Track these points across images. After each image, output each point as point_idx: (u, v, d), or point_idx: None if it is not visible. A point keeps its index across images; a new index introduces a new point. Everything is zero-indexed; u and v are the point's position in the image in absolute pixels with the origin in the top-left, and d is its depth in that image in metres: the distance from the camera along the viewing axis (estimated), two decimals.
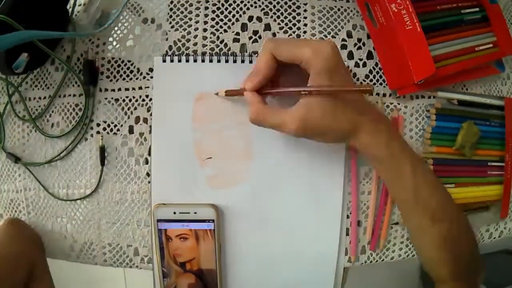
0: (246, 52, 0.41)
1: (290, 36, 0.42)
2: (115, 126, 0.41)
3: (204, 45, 0.41)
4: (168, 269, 0.41)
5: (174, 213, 0.39)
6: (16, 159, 0.43)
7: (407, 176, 0.35)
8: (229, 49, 0.41)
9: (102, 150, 0.41)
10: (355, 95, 0.35)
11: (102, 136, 0.41)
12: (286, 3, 0.42)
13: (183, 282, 0.41)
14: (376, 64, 0.42)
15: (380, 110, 0.38)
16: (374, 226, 0.42)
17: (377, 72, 0.42)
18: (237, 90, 0.37)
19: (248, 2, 0.42)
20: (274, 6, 0.42)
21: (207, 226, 0.40)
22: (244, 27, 0.42)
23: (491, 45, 0.43)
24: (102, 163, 0.41)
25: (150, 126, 0.41)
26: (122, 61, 0.42)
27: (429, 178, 0.37)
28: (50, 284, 0.39)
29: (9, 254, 0.36)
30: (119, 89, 0.41)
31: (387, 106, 0.43)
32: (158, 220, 0.40)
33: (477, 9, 0.44)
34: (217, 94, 0.39)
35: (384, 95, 0.43)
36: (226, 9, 0.42)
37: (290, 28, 0.42)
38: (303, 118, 0.33)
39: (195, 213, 0.39)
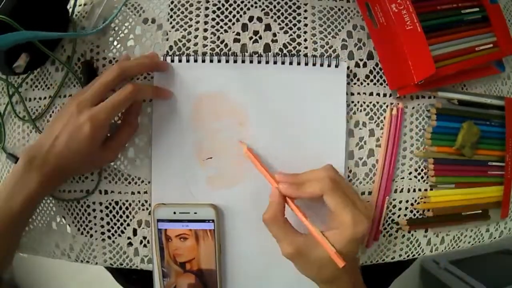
0: (247, 52, 0.41)
1: (291, 36, 0.42)
2: (115, 126, 0.41)
3: (204, 45, 0.41)
4: (168, 269, 0.41)
5: (174, 213, 0.39)
6: (17, 160, 0.43)
7: None
8: (230, 49, 0.41)
9: None
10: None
11: None
12: (286, 3, 0.42)
13: (183, 282, 0.41)
14: (377, 64, 0.43)
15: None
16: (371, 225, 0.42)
17: (377, 72, 0.42)
18: (264, 168, 0.38)
19: (249, 2, 0.42)
20: (275, 6, 0.42)
21: (207, 226, 0.40)
22: (244, 27, 0.42)
23: (491, 45, 0.43)
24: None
25: (150, 126, 0.41)
26: None
27: None
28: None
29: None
30: None
31: (387, 106, 0.43)
32: (158, 220, 0.40)
33: (477, 9, 0.44)
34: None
35: (385, 95, 0.43)
36: (227, 9, 0.42)
37: (291, 29, 0.42)
38: (298, 252, 0.34)
39: (195, 213, 0.39)
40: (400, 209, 0.43)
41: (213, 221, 0.40)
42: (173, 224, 0.40)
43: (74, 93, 0.42)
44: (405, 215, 0.44)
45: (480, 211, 0.45)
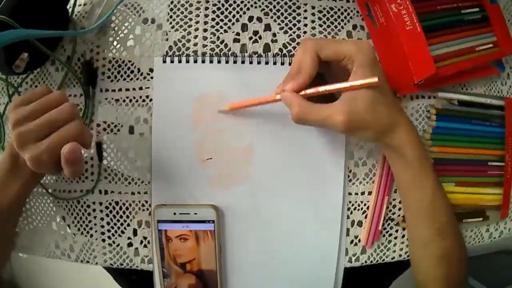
0: (246, 52, 0.41)
1: (290, 36, 0.42)
2: (115, 126, 0.41)
3: (204, 45, 0.41)
4: (168, 270, 0.41)
5: (174, 213, 0.39)
6: None
7: (428, 182, 0.36)
8: (229, 49, 0.41)
9: (99, 146, 0.41)
10: (389, 93, 0.36)
11: (98, 132, 0.41)
12: (286, 3, 0.42)
13: (183, 283, 0.41)
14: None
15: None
16: (371, 225, 0.42)
17: None
18: (242, 102, 0.38)
19: (248, 2, 0.42)
20: (274, 7, 0.42)
21: (207, 227, 0.40)
22: (244, 27, 0.42)
23: (491, 45, 0.43)
24: (100, 159, 0.41)
25: (150, 127, 0.41)
26: (123, 61, 0.42)
27: (444, 192, 0.37)
28: None
29: None
30: (120, 90, 0.41)
31: None
32: (158, 221, 0.40)
33: (477, 9, 0.44)
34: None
35: None
36: (226, 9, 0.42)
37: (290, 29, 0.42)
38: (348, 111, 0.33)
39: (195, 214, 0.39)
40: (400, 209, 0.43)
41: (213, 221, 0.39)
42: (173, 225, 0.40)
43: (74, 93, 0.42)
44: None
45: (480, 211, 0.45)
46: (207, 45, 0.41)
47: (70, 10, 0.41)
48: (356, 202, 0.42)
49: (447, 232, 0.37)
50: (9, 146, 0.35)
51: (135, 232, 0.42)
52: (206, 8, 0.42)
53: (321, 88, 0.34)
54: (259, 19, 0.42)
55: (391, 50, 0.41)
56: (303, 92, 0.35)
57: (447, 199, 0.38)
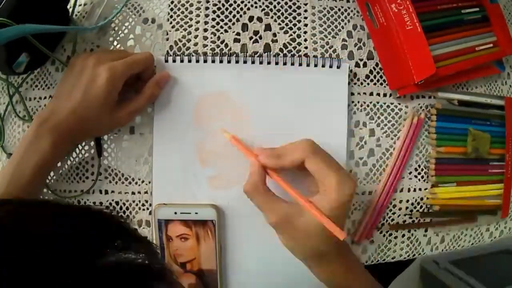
0: (247, 52, 0.41)
1: (291, 36, 0.42)
2: None
3: (204, 45, 0.41)
4: None
5: (175, 213, 0.39)
6: None
7: None
8: (230, 49, 0.41)
9: (98, 141, 0.41)
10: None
11: None
12: (286, 3, 0.42)
13: (183, 282, 0.41)
14: (377, 64, 0.43)
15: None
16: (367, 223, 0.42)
17: (378, 72, 0.42)
18: (243, 145, 0.37)
19: (249, 2, 0.42)
20: (275, 7, 0.42)
21: (208, 227, 0.40)
22: (244, 27, 0.42)
23: (491, 45, 0.43)
24: (99, 155, 0.41)
25: (151, 127, 0.41)
26: None
27: None
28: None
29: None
30: None
31: (388, 106, 0.43)
32: (159, 220, 0.40)
33: (477, 8, 0.44)
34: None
35: (385, 95, 0.43)
36: (227, 9, 0.42)
37: (291, 28, 0.42)
38: (283, 221, 0.33)
39: (196, 213, 0.39)
40: (400, 208, 0.43)
41: (214, 221, 0.39)
42: (174, 224, 0.40)
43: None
44: (405, 214, 0.44)
45: (481, 210, 0.45)
46: (207, 45, 0.41)
47: (70, 10, 0.41)
48: (356, 202, 0.42)
49: None
50: (37, 118, 0.35)
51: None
52: (207, 8, 0.42)
53: (283, 184, 0.34)
54: (260, 19, 0.42)
55: (391, 50, 0.41)
56: (268, 172, 0.35)
57: None
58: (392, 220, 0.44)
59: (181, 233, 0.40)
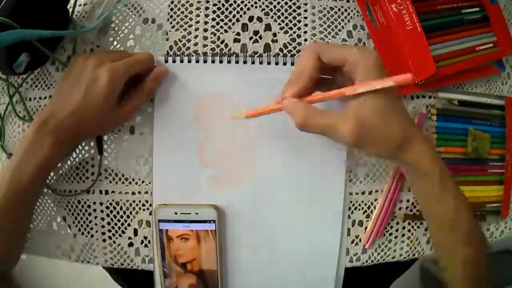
0: (247, 52, 0.41)
1: (291, 36, 0.42)
2: None
3: (204, 45, 0.41)
4: (169, 270, 0.41)
5: (176, 213, 0.39)
6: None
7: (450, 195, 0.34)
8: (230, 49, 0.41)
9: (99, 139, 0.41)
10: (402, 104, 0.33)
11: None
12: (286, 3, 0.42)
13: (184, 283, 0.41)
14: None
15: None
16: (375, 225, 0.42)
17: None
18: (262, 108, 0.34)
19: (249, 2, 0.42)
20: (275, 6, 0.42)
21: (209, 227, 0.40)
22: (244, 27, 0.42)
23: (491, 45, 0.43)
24: (100, 152, 0.41)
25: (151, 127, 0.41)
26: None
27: (466, 202, 0.36)
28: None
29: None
30: None
31: None
32: (160, 220, 0.40)
33: (477, 9, 0.44)
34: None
35: None
36: (227, 9, 0.42)
37: (291, 28, 0.42)
38: (358, 118, 0.30)
39: (197, 213, 0.39)
40: (400, 208, 0.43)
41: (214, 221, 0.39)
42: (175, 225, 0.40)
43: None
44: (405, 214, 0.44)
45: (481, 210, 0.45)
46: (207, 45, 0.41)
47: (70, 10, 0.41)
48: (357, 201, 0.42)
49: (470, 240, 0.36)
50: (37, 119, 0.35)
51: (135, 232, 0.42)
52: (207, 8, 0.42)
53: (323, 95, 0.32)
54: (260, 19, 0.42)
55: (392, 50, 0.41)
56: (304, 100, 0.32)
57: (469, 209, 0.36)
58: (392, 220, 0.43)
59: (182, 233, 0.40)
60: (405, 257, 0.44)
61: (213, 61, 0.40)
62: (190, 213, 0.39)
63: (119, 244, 0.42)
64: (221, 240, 0.41)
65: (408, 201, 0.44)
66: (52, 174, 0.42)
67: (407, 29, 0.40)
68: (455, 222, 0.35)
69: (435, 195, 0.35)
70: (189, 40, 0.41)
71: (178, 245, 0.40)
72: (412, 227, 0.44)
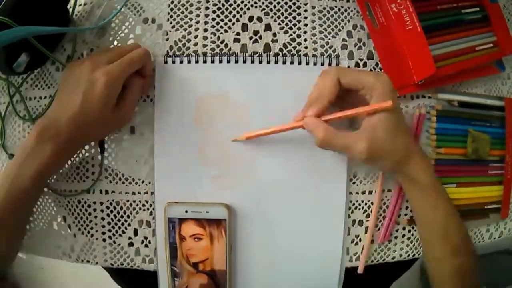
0: (247, 52, 0.41)
1: (291, 36, 0.42)
2: None
3: (204, 45, 0.41)
4: (180, 269, 0.41)
5: (186, 211, 0.39)
6: None
7: (442, 205, 0.38)
8: (230, 49, 0.41)
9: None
10: (404, 120, 0.38)
11: None
12: (286, 3, 0.42)
13: (194, 282, 0.41)
14: (377, 64, 0.43)
15: None
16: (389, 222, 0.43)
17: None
18: (277, 127, 0.38)
19: (249, 2, 0.42)
20: (275, 6, 0.42)
21: (220, 226, 0.39)
22: (244, 27, 0.42)
23: (491, 45, 0.43)
24: (102, 151, 0.41)
25: (152, 127, 0.41)
26: None
27: (456, 211, 0.39)
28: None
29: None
30: None
31: None
32: (171, 219, 0.39)
33: (477, 8, 0.44)
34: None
35: None
36: (227, 9, 0.42)
37: (291, 28, 0.42)
38: (370, 138, 0.35)
39: (207, 212, 0.39)
40: (400, 208, 0.43)
41: (225, 220, 0.39)
42: (187, 223, 0.39)
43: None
44: (406, 214, 0.44)
45: (481, 210, 0.45)
46: (207, 45, 0.41)
47: (70, 10, 0.41)
48: (357, 201, 0.42)
49: (461, 250, 0.38)
50: (38, 125, 0.35)
51: (135, 232, 0.42)
52: (207, 8, 0.42)
53: (340, 114, 0.36)
54: (259, 19, 0.42)
55: (391, 50, 0.41)
56: (323, 118, 0.36)
57: (460, 219, 0.39)
58: (398, 223, 0.44)
59: (195, 233, 0.40)
60: (405, 258, 0.44)
61: (213, 61, 0.40)
62: (200, 212, 0.39)
63: (119, 244, 0.42)
64: (231, 240, 0.40)
65: (409, 209, 0.44)
66: None
67: (407, 29, 0.40)
68: (445, 231, 0.38)
69: (428, 206, 0.38)
70: (189, 40, 0.41)
71: (191, 245, 0.40)
72: (412, 227, 0.44)
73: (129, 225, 0.42)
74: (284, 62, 0.40)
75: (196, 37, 0.41)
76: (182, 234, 0.40)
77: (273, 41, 0.42)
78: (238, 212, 0.41)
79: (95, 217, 0.42)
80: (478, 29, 0.44)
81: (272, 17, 0.42)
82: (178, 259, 0.40)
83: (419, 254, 0.45)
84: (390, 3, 0.40)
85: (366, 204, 0.43)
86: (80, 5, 0.43)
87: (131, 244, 0.42)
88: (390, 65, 0.42)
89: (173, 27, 0.41)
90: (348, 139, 0.35)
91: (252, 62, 0.40)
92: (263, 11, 0.42)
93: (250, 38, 0.41)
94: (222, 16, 0.41)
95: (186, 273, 0.41)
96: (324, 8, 0.42)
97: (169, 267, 0.41)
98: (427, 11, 0.42)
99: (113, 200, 0.42)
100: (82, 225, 0.42)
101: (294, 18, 0.42)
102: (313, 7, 0.42)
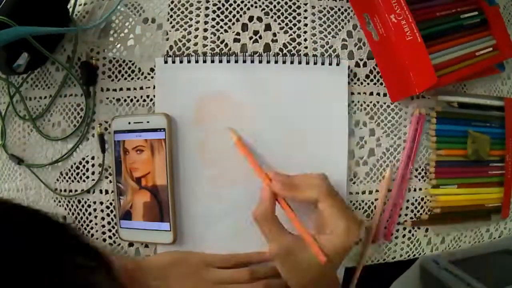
0: (247, 52, 0.41)
1: (291, 36, 0.42)
2: None
3: (204, 45, 0.41)
4: (125, 186, 0.40)
5: (129, 123, 0.40)
6: (20, 161, 0.43)
7: None
8: (230, 49, 0.41)
9: (101, 137, 0.41)
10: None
11: (100, 124, 0.41)
12: (286, 3, 0.42)
13: (138, 200, 0.40)
14: (377, 64, 0.42)
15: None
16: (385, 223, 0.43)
17: (378, 72, 0.42)
18: (254, 162, 0.38)
19: (249, 2, 0.42)
20: (275, 6, 0.42)
21: (160, 136, 0.39)
22: (244, 27, 0.42)
23: (491, 49, 0.43)
24: (103, 151, 0.41)
25: None
26: (123, 61, 0.42)
27: None
28: None
29: None
30: (121, 89, 0.41)
31: (388, 106, 0.43)
32: (115, 132, 0.40)
33: (476, 12, 0.44)
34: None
35: (385, 95, 0.42)
36: (227, 9, 0.42)
37: (291, 28, 0.42)
38: (286, 254, 0.34)
39: (148, 122, 0.39)
40: (401, 208, 0.43)
41: (164, 129, 0.39)
42: (129, 135, 0.40)
43: (75, 93, 0.42)
44: (406, 214, 0.44)
45: (483, 211, 0.45)
46: (207, 45, 0.41)
47: (70, 10, 0.41)
48: (357, 201, 0.42)
49: None
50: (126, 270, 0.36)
51: None
52: (207, 8, 0.42)
53: (295, 221, 0.36)
54: (259, 19, 0.42)
55: (392, 61, 0.40)
56: (280, 199, 0.36)
57: None
58: (399, 223, 0.43)
59: (137, 144, 0.40)
60: (405, 258, 0.44)
61: (213, 61, 0.40)
62: (142, 122, 0.39)
63: (119, 244, 0.42)
64: (172, 151, 0.40)
65: (409, 209, 0.44)
66: (52, 173, 0.42)
67: (407, 39, 0.39)
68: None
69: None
70: (189, 40, 0.41)
71: (134, 158, 0.40)
72: (413, 227, 0.44)
73: None
74: (284, 62, 0.40)
75: (196, 37, 0.41)
76: (126, 147, 0.40)
77: (273, 41, 0.42)
78: (237, 211, 0.40)
79: (95, 217, 0.42)
80: (477, 34, 0.43)
81: (272, 17, 0.42)
82: (122, 174, 0.40)
83: (419, 254, 0.45)
84: (389, 14, 0.39)
85: (366, 204, 0.43)
86: (80, 5, 0.43)
87: (131, 244, 0.42)
88: (391, 76, 0.41)
89: (173, 27, 0.41)
90: (271, 234, 0.35)
91: (252, 62, 0.40)
92: (263, 11, 0.42)
93: (250, 38, 0.41)
94: (222, 16, 0.41)
95: (130, 190, 0.40)
96: (324, 8, 0.42)
97: (115, 185, 0.40)
98: (426, 18, 0.41)
99: (113, 200, 0.42)
100: (82, 225, 0.42)
101: (294, 18, 0.42)
102: (313, 7, 0.42)
